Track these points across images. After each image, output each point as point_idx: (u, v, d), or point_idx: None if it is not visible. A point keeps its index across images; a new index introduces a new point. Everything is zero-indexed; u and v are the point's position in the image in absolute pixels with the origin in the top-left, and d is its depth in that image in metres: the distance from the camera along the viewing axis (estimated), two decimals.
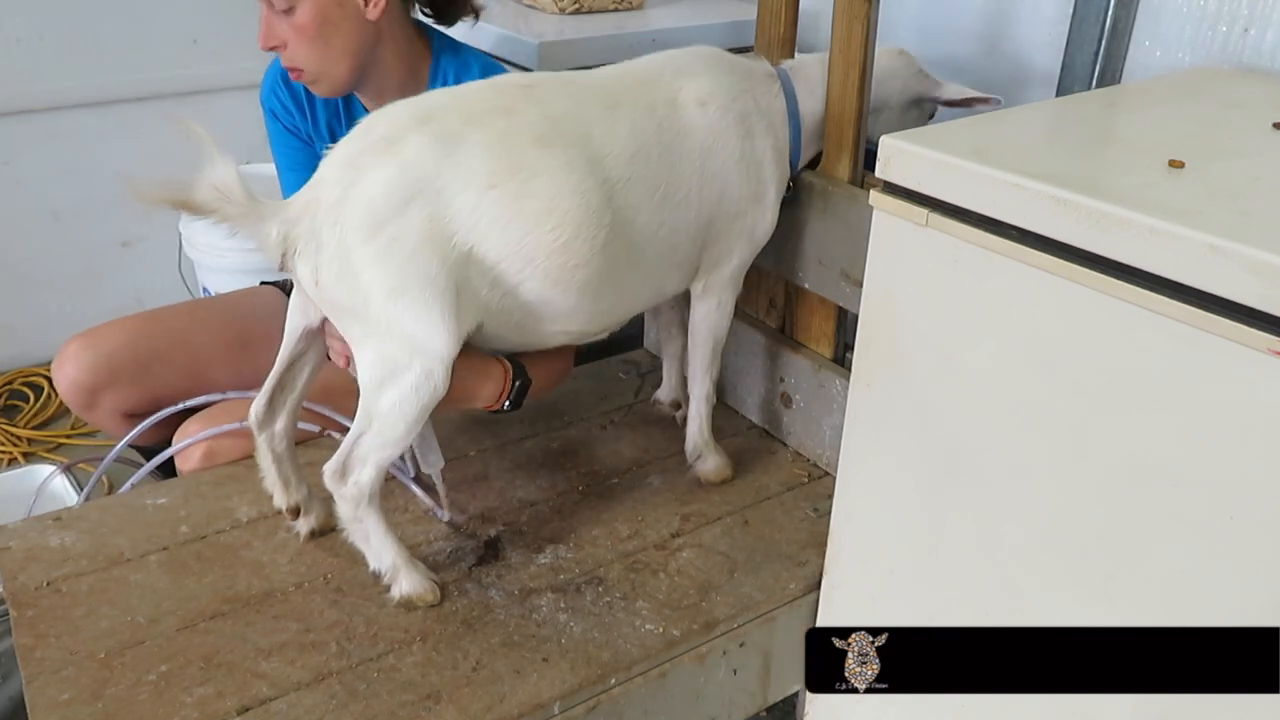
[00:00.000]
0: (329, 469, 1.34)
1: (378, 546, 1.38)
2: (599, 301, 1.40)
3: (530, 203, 1.29)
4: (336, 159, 1.29)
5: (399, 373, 1.27)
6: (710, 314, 1.59)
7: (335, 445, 1.36)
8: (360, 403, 1.31)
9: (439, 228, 1.25)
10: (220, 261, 2.71)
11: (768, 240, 1.57)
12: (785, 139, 1.55)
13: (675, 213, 1.43)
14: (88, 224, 2.91)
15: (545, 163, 1.30)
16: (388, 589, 1.40)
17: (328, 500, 1.44)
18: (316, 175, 1.29)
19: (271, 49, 1.63)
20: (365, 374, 1.29)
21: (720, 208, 1.49)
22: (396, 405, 1.28)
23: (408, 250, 1.24)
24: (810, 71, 1.59)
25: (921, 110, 1.71)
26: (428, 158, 1.25)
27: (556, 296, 1.35)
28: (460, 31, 1.85)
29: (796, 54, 1.68)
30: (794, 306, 1.78)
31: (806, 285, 1.67)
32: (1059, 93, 1.73)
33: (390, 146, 1.26)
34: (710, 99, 1.46)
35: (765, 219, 1.54)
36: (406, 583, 1.39)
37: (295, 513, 1.52)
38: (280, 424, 1.47)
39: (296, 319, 1.42)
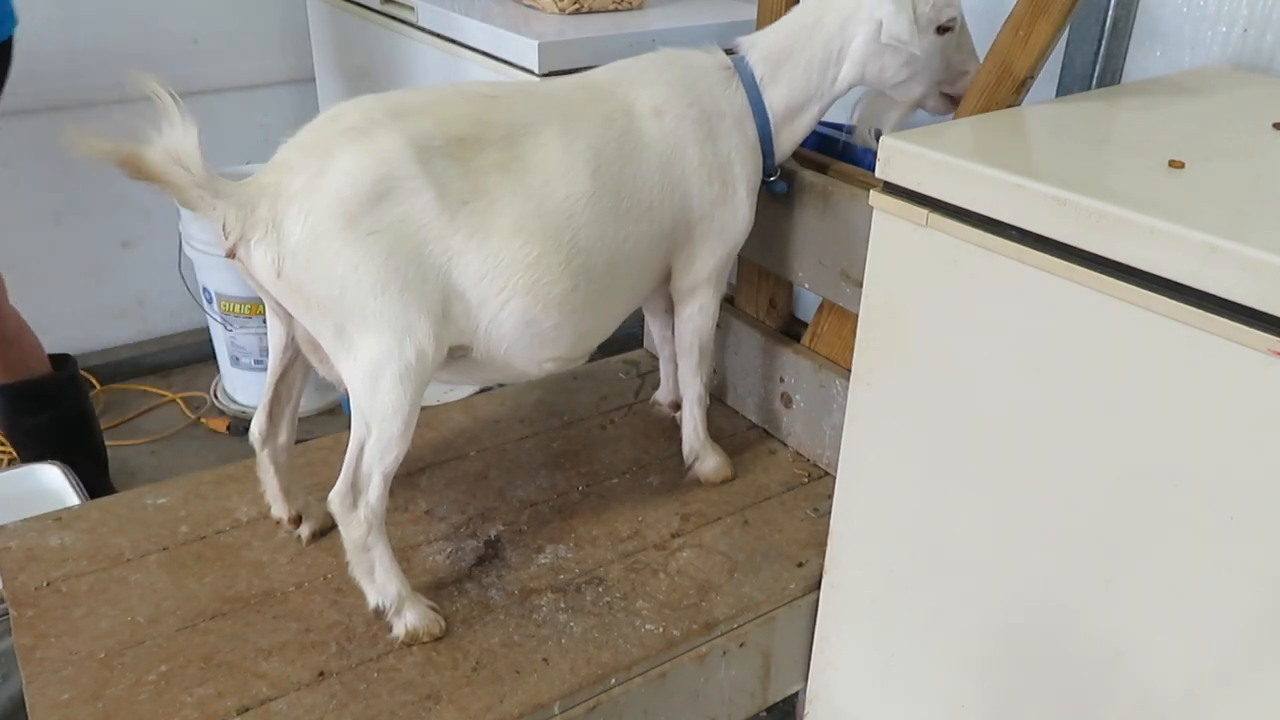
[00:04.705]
0: (338, 495, 1.30)
1: (382, 579, 1.33)
2: (583, 319, 1.39)
3: (500, 220, 1.28)
4: (299, 143, 1.25)
5: (382, 365, 1.24)
6: (693, 317, 1.59)
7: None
8: (353, 410, 1.28)
9: (414, 230, 1.23)
10: (220, 261, 2.71)
11: (746, 238, 1.55)
12: (754, 132, 1.52)
13: (639, 224, 1.42)
14: (88, 224, 2.91)
15: (507, 188, 1.30)
16: (389, 629, 1.35)
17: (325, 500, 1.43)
18: (275, 159, 1.25)
19: None
20: (349, 376, 1.27)
21: (684, 215, 1.48)
22: (389, 398, 1.25)
23: (385, 245, 1.22)
24: (768, 49, 1.51)
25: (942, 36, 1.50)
26: (403, 156, 1.23)
27: (540, 314, 1.34)
28: (463, 32, 1.85)
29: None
30: (795, 307, 1.78)
31: (806, 285, 1.67)
32: (1059, 93, 1.73)
33: (361, 136, 1.23)
34: (666, 107, 1.45)
35: (737, 218, 1.52)
36: (411, 615, 1.34)
37: (296, 521, 1.52)
38: (282, 437, 1.46)
39: (278, 330, 1.39)
